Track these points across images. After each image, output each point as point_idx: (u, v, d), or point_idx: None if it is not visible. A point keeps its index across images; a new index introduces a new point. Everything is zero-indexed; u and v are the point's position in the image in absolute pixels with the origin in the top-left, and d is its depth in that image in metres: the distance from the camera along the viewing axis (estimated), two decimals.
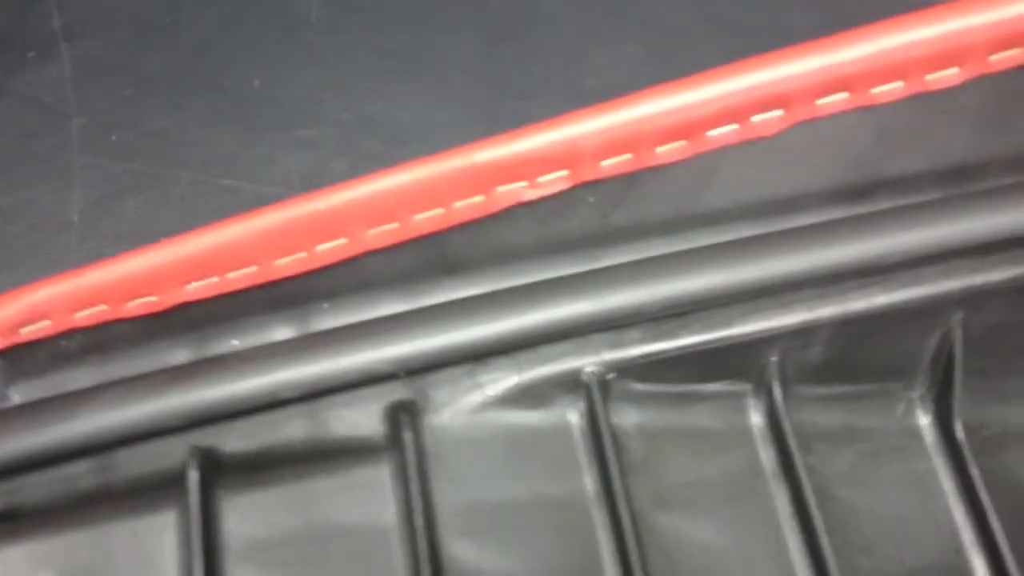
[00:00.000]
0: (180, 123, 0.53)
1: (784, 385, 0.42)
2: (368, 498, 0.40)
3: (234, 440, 0.41)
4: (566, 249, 0.42)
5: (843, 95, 0.39)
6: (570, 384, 0.41)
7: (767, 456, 0.42)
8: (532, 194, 0.40)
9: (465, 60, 0.60)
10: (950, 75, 0.39)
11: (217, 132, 0.53)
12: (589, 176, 0.40)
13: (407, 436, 0.40)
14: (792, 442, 0.41)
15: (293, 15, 0.61)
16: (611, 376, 0.41)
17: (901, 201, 0.42)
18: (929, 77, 0.39)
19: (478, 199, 0.40)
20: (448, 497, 0.40)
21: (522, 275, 0.42)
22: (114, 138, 0.52)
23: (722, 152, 0.40)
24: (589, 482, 0.41)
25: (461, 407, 0.41)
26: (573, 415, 0.42)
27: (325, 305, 0.42)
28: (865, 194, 0.42)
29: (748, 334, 0.41)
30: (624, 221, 0.42)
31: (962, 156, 0.42)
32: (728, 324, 0.41)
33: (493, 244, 0.41)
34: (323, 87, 0.58)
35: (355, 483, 0.40)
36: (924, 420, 0.44)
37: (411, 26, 0.62)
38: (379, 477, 0.41)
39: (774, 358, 0.42)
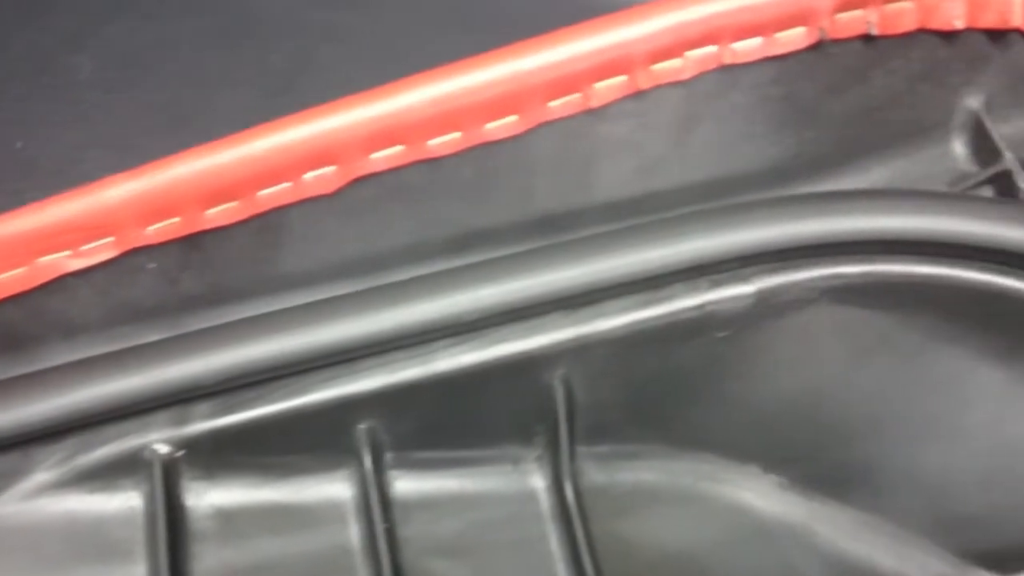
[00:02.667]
0: None
1: (378, 453, 0.40)
2: None
3: None
4: (139, 319, 0.39)
5: (398, 148, 0.38)
6: (133, 464, 0.38)
7: (356, 531, 0.40)
8: (78, 264, 0.37)
9: (238, 113, 0.60)
10: (510, 123, 0.38)
11: None
12: (139, 242, 0.38)
13: None
14: (378, 515, 0.39)
15: (62, 73, 0.60)
16: (180, 454, 0.38)
17: (495, 253, 0.41)
18: (489, 126, 0.38)
19: (20, 271, 0.38)
20: None
21: (91, 348, 0.39)
22: None
23: (286, 211, 0.38)
24: (144, 571, 0.38)
25: (14, 493, 0.38)
26: (136, 498, 0.39)
27: None
28: (454, 248, 0.41)
29: (328, 401, 0.39)
30: (197, 287, 0.39)
31: (550, 205, 0.40)
32: (305, 391, 0.39)
33: (53, 318, 0.39)
34: (89, 145, 0.56)
35: None
36: (540, 483, 0.42)
37: (184, 81, 0.61)
38: None
39: (363, 425, 0.40)
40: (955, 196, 0.41)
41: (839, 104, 0.40)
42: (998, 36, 0.40)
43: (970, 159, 0.42)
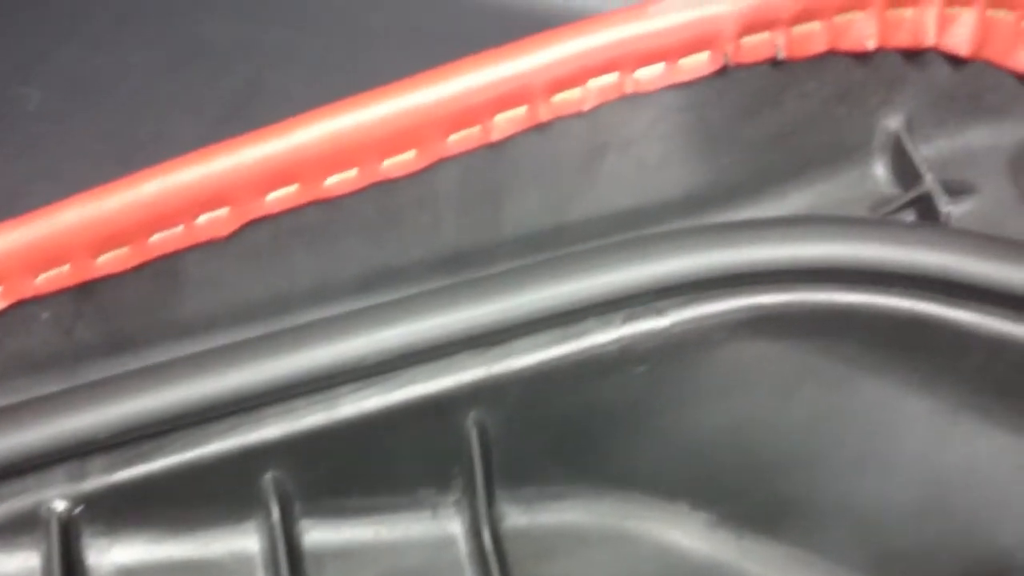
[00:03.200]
0: None
1: (286, 503, 0.39)
2: None
3: None
4: (34, 371, 0.38)
5: (293, 188, 0.36)
6: (31, 523, 0.37)
7: None
8: None
9: (189, 140, 0.60)
10: (408, 160, 0.37)
11: None
12: (28, 292, 0.36)
13: None
14: (285, 568, 0.37)
15: (10, 104, 0.59)
16: (78, 510, 0.37)
17: (404, 291, 0.39)
18: (387, 163, 0.37)
19: None
20: None
21: None
22: None
23: (181, 256, 0.37)
24: None
25: None
26: (35, 558, 0.37)
27: None
28: (362, 287, 0.39)
29: (230, 451, 0.37)
30: (92, 336, 0.38)
31: (458, 241, 0.39)
32: (206, 442, 0.37)
33: None
34: (37, 177, 0.55)
35: None
36: (458, 528, 0.41)
37: (134, 109, 0.60)
38: None
39: (269, 475, 0.38)
40: (873, 222, 0.39)
41: (752, 129, 0.39)
42: (915, 55, 0.39)
43: (891, 181, 0.41)
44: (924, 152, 0.41)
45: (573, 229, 0.40)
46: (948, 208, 0.39)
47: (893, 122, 0.41)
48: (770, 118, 0.39)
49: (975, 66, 0.40)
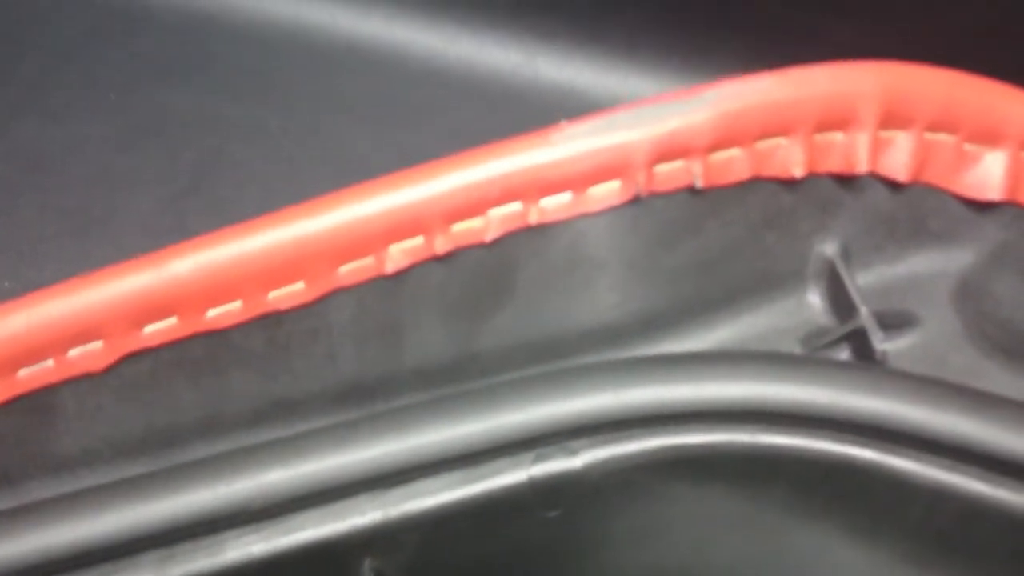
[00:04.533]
0: None
1: None
2: None
3: None
4: None
5: (172, 321, 0.34)
6: None
7: None
8: None
9: (146, 215, 0.57)
10: (297, 291, 0.34)
11: None
12: None
13: None
14: None
15: None
16: None
17: (301, 426, 0.37)
18: (273, 295, 0.34)
19: None
20: None
21: None
22: None
23: (56, 390, 0.35)
24: None
25: None
26: None
27: None
28: (254, 422, 0.37)
29: None
30: None
31: (356, 374, 0.37)
32: None
33: None
34: None
35: None
36: None
37: (90, 183, 0.59)
38: None
39: None
40: (800, 359, 0.37)
41: (673, 258, 0.37)
42: (850, 179, 0.37)
43: (827, 312, 0.38)
44: (864, 280, 0.39)
45: (481, 362, 0.37)
46: (884, 346, 0.36)
47: (829, 248, 0.38)
48: (692, 246, 0.36)
49: (916, 190, 0.38)
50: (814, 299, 0.39)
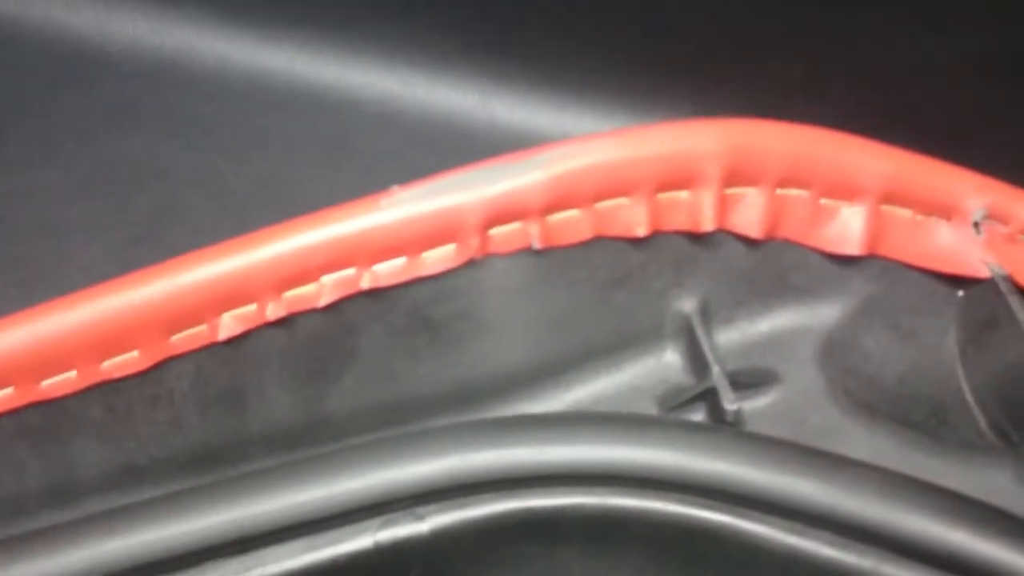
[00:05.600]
0: None
1: None
2: None
3: None
4: None
5: (7, 391, 0.34)
6: None
7: None
8: None
9: (97, 265, 0.57)
10: (131, 360, 0.34)
11: None
12: None
13: None
14: None
15: None
16: None
17: (150, 492, 0.37)
18: (106, 364, 0.34)
19: None
20: None
21: None
22: None
23: None
24: None
25: None
26: None
27: None
28: (101, 488, 0.37)
29: None
30: None
31: (201, 440, 0.36)
32: None
33: None
34: None
35: None
36: None
37: (41, 233, 0.59)
38: None
39: None
40: (648, 421, 0.36)
41: (520, 319, 0.36)
42: (702, 236, 0.36)
43: (685, 370, 0.38)
44: (726, 337, 0.38)
45: (332, 426, 0.37)
46: (734, 406, 0.35)
47: (687, 305, 0.38)
48: (539, 307, 0.36)
49: (775, 245, 0.37)
50: (672, 357, 0.38)
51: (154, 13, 0.68)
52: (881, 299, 0.39)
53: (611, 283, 0.36)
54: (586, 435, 0.35)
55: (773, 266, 0.37)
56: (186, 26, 0.69)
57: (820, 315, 0.38)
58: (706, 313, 0.38)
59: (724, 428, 0.35)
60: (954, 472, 0.36)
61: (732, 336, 0.38)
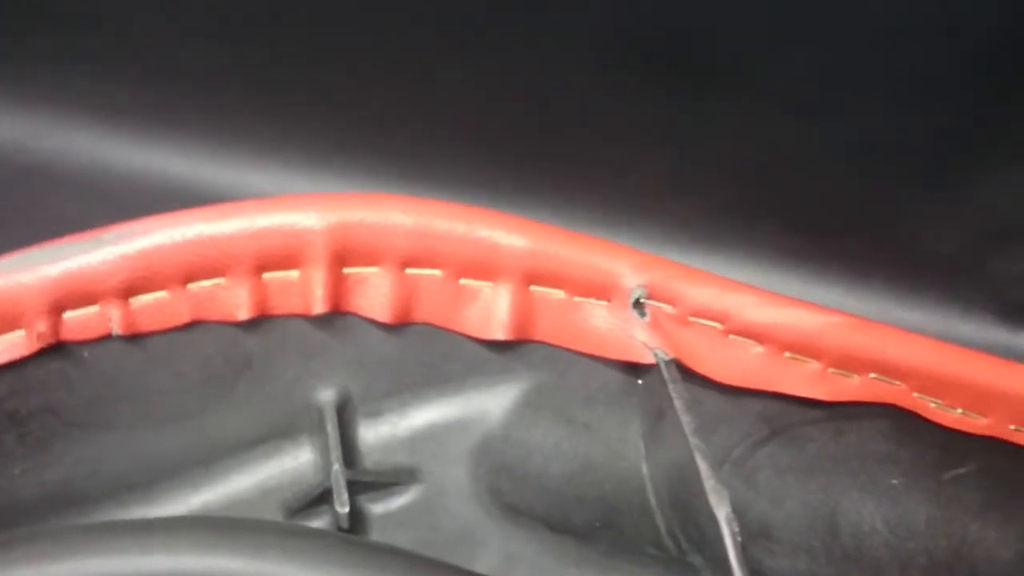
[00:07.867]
0: None
1: None
2: None
3: None
4: None
5: None
6: None
7: None
8: None
9: None
10: None
11: None
12: None
13: None
14: None
15: None
16: None
17: None
18: None
19: None
20: None
21: None
22: None
23: None
24: None
25: None
26: None
27: None
28: None
29: None
30: None
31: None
32: None
33: None
34: None
35: None
36: None
37: None
38: None
39: None
40: (252, 526, 0.32)
41: (124, 416, 0.33)
42: (332, 319, 0.33)
43: (318, 469, 0.34)
44: (375, 431, 0.35)
45: None
46: (346, 508, 0.32)
47: (324, 397, 0.34)
48: (143, 403, 0.33)
49: (419, 330, 0.34)
50: (309, 456, 0.35)
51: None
52: (550, 389, 0.35)
53: (230, 373, 0.33)
54: (159, 542, 0.31)
55: (421, 354, 0.34)
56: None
57: (478, 407, 0.35)
58: (346, 406, 0.34)
59: (329, 533, 0.32)
60: None
61: (381, 430, 0.35)
